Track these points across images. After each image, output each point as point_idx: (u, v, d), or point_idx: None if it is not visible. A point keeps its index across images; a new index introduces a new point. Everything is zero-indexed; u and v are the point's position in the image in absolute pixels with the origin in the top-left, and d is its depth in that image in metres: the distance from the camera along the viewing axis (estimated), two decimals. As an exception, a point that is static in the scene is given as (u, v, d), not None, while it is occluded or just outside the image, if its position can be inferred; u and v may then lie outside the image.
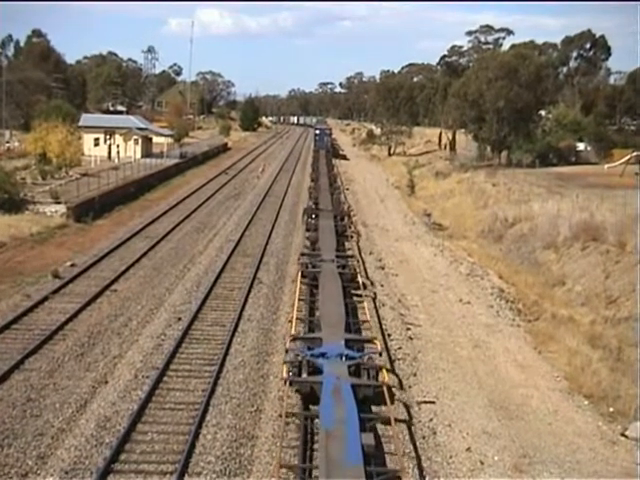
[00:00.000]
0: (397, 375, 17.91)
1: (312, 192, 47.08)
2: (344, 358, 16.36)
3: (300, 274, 24.95)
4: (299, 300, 22.50)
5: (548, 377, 18.99)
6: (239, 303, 23.21)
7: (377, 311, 23.15)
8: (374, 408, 15.47)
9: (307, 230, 34.60)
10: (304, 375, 15.92)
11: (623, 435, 15.88)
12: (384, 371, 16.45)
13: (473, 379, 18.42)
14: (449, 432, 15.31)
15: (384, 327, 21.74)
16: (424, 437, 14.95)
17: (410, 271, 30.08)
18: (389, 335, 21.10)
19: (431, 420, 15.78)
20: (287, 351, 17.52)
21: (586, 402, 17.54)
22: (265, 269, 28.37)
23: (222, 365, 17.92)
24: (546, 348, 21.07)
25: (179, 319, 21.51)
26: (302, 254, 28.09)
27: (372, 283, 26.76)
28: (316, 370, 15.98)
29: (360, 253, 32.07)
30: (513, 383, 18.45)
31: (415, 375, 18.28)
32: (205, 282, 25.71)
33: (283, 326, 21.24)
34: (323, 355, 16.47)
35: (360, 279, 25.29)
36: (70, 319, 20.88)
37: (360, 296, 23.74)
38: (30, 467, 12.94)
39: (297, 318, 20.60)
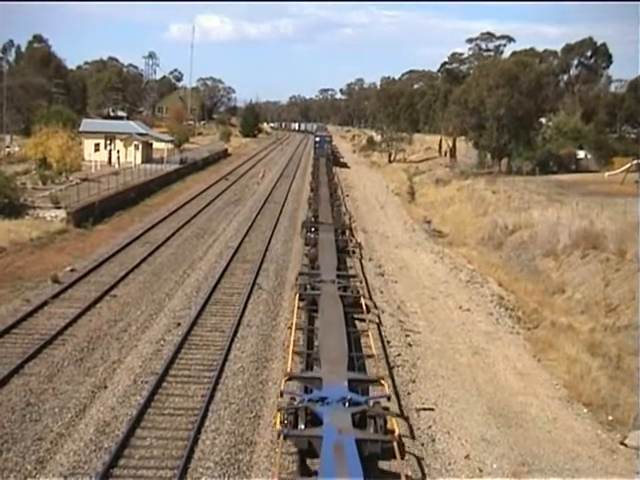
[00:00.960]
0: (407, 419, 15.98)
1: (311, 203, 45.26)
2: (347, 404, 14.25)
3: (297, 297, 22.88)
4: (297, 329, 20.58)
5: (547, 385, 18.97)
6: (239, 309, 23.21)
7: (383, 342, 21.01)
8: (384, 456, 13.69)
9: (306, 245, 33.16)
10: (301, 426, 13.75)
11: (622, 444, 15.86)
12: (394, 420, 14.43)
13: (472, 386, 18.40)
14: (448, 439, 15.30)
15: (383, 335, 21.72)
16: (423, 444, 14.92)
17: (410, 278, 30.08)
18: (388, 342, 21.08)
19: (430, 427, 15.76)
20: (282, 394, 15.51)
21: (585, 410, 17.52)
22: (265, 275, 28.38)
23: (221, 371, 17.90)
24: (545, 356, 21.06)
25: (178, 324, 21.51)
26: (300, 273, 26.42)
27: (375, 305, 24.71)
28: (315, 419, 13.92)
29: (362, 266, 31.05)
30: (512, 391, 18.43)
31: (414, 382, 18.27)
32: (205, 288, 25.72)
33: (282, 332, 21.23)
34: (323, 400, 14.43)
35: (363, 301, 23.12)
36: (70, 324, 20.90)
37: (364, 321, 21.85)
38: (29, 471, 12.94)
39: (294, 351, 18.38)
